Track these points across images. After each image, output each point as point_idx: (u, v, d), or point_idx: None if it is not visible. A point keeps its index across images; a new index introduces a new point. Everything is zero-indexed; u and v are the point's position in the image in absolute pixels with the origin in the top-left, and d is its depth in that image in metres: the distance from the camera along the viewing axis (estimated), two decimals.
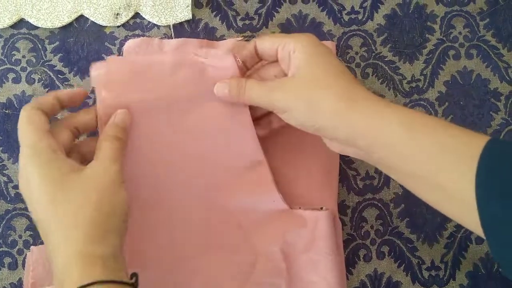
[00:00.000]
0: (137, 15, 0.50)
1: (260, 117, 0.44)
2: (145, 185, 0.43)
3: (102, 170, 0.37)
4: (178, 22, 0.49)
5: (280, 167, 0.46)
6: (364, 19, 0.51)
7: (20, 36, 0.49)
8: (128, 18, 0.49)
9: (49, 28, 0.49)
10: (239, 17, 0.50)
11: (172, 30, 0.49)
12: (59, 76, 0.49)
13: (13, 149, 0.48)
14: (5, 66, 0.49)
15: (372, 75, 0.50)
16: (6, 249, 0.46)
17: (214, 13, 0.50)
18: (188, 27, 0.50)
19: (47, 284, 0.43)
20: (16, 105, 0.48)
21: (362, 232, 0.48)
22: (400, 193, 0.49)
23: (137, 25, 0.50)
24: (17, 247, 0.46)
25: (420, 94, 0.50)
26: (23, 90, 0.48)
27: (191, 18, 0.50)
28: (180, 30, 0.50)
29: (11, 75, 0.49)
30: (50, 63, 0.49)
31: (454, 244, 0.49)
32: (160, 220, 0.44)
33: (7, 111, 0.48)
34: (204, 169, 0.44)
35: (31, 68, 0.49)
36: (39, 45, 0.49)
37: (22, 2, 0.49)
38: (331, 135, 0.38)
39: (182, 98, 0.42)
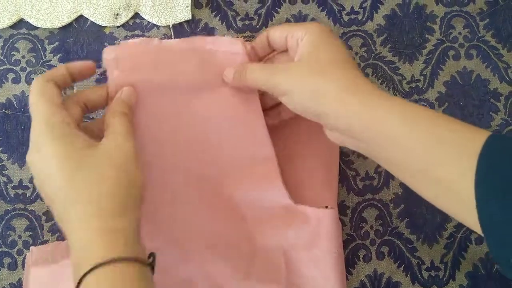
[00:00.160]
0: (136, 15, 0.50)
1: (270, 107, 0.45)
2: (149, 167, 0.42)
3: (116, 146, 0.37)
4: (177, 22, 0.49)
5: (281, 166, 0.46)
6: (363, 19, 0.51)
7: (19, 36, 0.49)
8: (127, 18, 0.49)
9: (48, 28, 0.49)
10: (239, 17, 0.50)
11: (171, 30, 0.49)
12: None
13: (12, 149, 0.48)
14: (5, 67, 0.49)
15: (372, 75, 0.50)
16: (6, 249, 0.46)
17: (214, 13, 0.50)
18: (187, 27, 0.50)
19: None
20: (15, 105, 0.48)
21: (361, 233, 0.48)
22: (400, 194, 0.49)
23: (136, 25, 0.50)
24: (17, 248, 0.46)
25: (420, 95, 0.50)
26: (22, 91, 0.48)
27: (190, 18, 0.50)
28: (179, 30, 0.50)
29: (10, 76, 0.49)
30: (49, 63, 0.49)
31: (454, 244, 0.49)
32: (163, 203, 0.43)
33: (6, 112, 0.48)
34: (210, 155, 0.44)
35: (31, 69, 0.49)
36: (39, 45, 0.49)
37: (22, 2, 0.49)
38: (332, 124, 0.38)
39: (192, 83, 0.42)
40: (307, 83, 0.38)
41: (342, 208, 0.48)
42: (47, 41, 0.49)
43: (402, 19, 0.51)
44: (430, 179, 0.34)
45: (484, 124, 0.50)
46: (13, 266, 0.46)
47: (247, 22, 0.51)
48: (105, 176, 0.35)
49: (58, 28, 0.49)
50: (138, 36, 0.49)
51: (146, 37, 0.49)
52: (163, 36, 0.49)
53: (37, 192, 0.47)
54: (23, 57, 0.49)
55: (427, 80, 0.51)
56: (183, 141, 0.43)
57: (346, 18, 0.51)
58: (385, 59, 0.51)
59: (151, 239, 0.42)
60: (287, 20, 0.51)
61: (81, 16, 0.49)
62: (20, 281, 0.46)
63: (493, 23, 0.52)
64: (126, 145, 0.37)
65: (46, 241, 0.46)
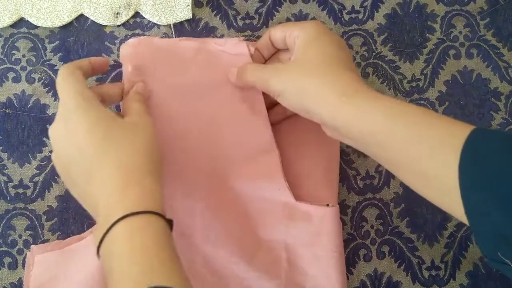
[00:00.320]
0: (137, 14, 0.50)
1: (275, 104, 0.45)
2: None
3: (139, 120, 0.39)
4: (178, 21, 0.49)
5: (282, 164, 0.46)
6: (364, 18, 0.51)
7: (20, 35, 0.49)
8: (128, 17, 0.49)
9: (49, 28, 0.49)
10: (240, 17, 0.50)
11: (172, 29, 0.49)
12: None
13: (13, 148, 0.47)
14: (5, 66, 0.49)
15: (372, 75, 0.50)
16: (6, 248, 0.46)
17: (214, 12, 0.50)
18: (188, 27, 0.50)
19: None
20: (16, 104, 0.48)
21: (362, 232, 0.48)
22: (400, 193, 0.49)
23: (137, 24, 0.50)
24: (17, 247, 0.46)
25: (421, 94, 0.50)
26: (23, 90, 0.48)
27: (191, 17, 0.50)
28: (180, 29, 0.50)
29: (11, 75, 0.49)
30: (50, 62, 0.49)
31: (454, 243, 0.49)
32: (174, 199, 0.44)
33: (7, 111, 0.48)
34: (215, 150, 0.45)
35: (31, 68, 0.49)
36: (39, 45, 0.49)
37: (22, 1, 0.49)
38: (320, 121, 0.39)
39: (200, 82, 0.45)
40: (295, 84, 0.39)
41: (342, 208, 0.48)
42: (48, 40, 0.49)
43: (403, 18, 0.51)
44: (415, 172, 0.35)
45: (485, 124, 0.50)
46: (13, 266, 0.46)
47: (247, 21, 0.50)
48: (132, 141, 0.37)
49: (59, 27, 0.49)
50: (138, 35, 0.49)
51: (147, 36, 0.49)
52: (164, 35, 0.49)
53: (38, 192, 0.47)
54: (23, 56, 0.49)
55: (427, 79, 0.51)
56: (191, 137, 0.45)
57: (346, 17, 0.51)
58: (386, 58, 0.51)
59: None
60: (288, 19, 0.51)
61: (81, 15, 0.49)
62: (20, 281, 0.46)
63: (494, 22, 0.52)
64: (148, 120, 0.40)
65: (46, 240, 0.46)
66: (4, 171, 0.47)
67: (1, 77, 0.48)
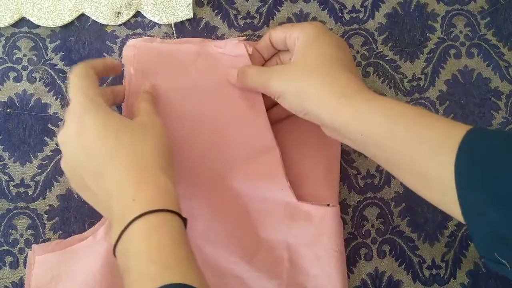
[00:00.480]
0: (138, 13, 0.50)
1: (274, 104, 0.46)
2: None
3: (149, 119, 0.40)
4: (179, 20, 0.49)
5: (283, 164, 0.46)
6: (365, 18, 0.51)
7: (21, 34, 0.49)
8: (129, 16, 0.49)
9: (50, 27, 0.49)
10: (240, 16, 0.50)
11: (173, 29, 0.49)
12: (60, 75, 0.49)
13: (14, 147, 0.48)
14: (6, 65, 0.49)
15: (373, 74, 0.50)
16: (8, 248, 0.46)
17: (215, 11, 0.50)
18: (189, 26, 0.50)
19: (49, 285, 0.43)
20: (17, 103, 0.48)
21: (363, 231, 0.48)
22: (401, 192, 0.49)
23: (138, 24, 0.50)
24: (18, 246, 0.46)
25: (421, 93, 0.50)
26: (24, 89, 0.48)
27: (192, 16, 0.50)
28: (181, 28, 0.50)
29: (12, 74, 0.49)
30: (51, 61, 0.49)
31: (455, 243, 0.49)
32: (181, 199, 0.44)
33: (8, 110, 0.48)
34: (217, 150, 0.45)
35: (32, 67, 0.49)
36: (40, 44, 0.49)
37: (23, 0, 0.49)
38: (319, 122, 0.39)
39: (200, 85, 0.46)
40: (296, 85, 0.39)
41: (343, 207, 0.48)
42: (49, 39, 0.49)
43: (403, 17, 0.51)
44: (415, 173, 0.35)
45: (485, 123, 0.50)
46: (14, 265, 0.46)
47: (248, 20, 0.51)
48: (142, 141, 0.37)
49: (60, 27, 0.49)
50: (139, 34, 0.49)
51: (148, 35, 0.49)
52: (165, 35, 0.49)
53: (39, 191, 0.47)
54: (24, 55, 0.49)
55: (428, 79, 0.51)
56: (192, 138, 0.45)
57: (347, 16, 0.51)
58: (386, 58, 0.51)
59: None
60: (288, 19, 0.51)
61: (82, 15, 0.49)
62: (22, 280, 0.46)
63: (494, 22, 0.52)
64: (156, 119, 0.40)
65: (47, 240, 0.46)
66: (5, 170, 0.47)
67: (3, 76, 0.49)
